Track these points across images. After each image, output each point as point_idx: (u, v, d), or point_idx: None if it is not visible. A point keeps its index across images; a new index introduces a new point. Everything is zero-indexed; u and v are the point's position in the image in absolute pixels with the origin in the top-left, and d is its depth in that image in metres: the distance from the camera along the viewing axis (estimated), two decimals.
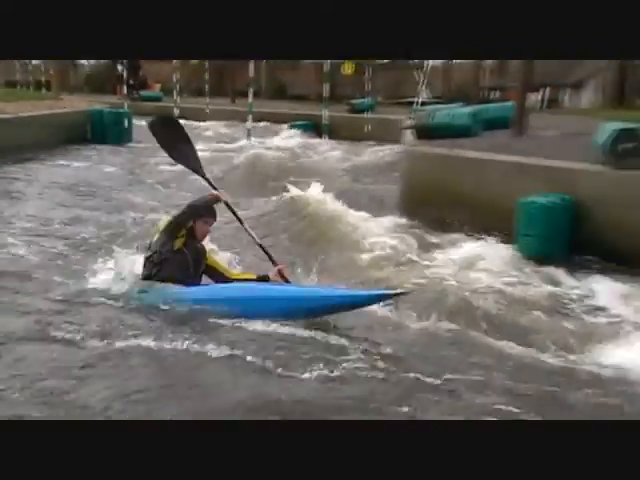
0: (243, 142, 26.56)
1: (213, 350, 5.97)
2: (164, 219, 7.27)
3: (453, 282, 8.74)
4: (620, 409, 5.33)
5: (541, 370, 6.20)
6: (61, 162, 20.96)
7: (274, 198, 13.72)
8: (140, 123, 24.51)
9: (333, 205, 12.63)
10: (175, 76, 43.04)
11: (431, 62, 36.00)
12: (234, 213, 7.63)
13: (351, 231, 11.54)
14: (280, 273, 7.21)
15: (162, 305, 6.84)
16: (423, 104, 30.07)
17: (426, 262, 9.93)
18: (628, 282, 8.75)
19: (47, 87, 43.60)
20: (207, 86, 43.87)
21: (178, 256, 6.90)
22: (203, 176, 7.85)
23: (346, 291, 7.13)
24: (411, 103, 30.84)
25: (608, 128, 11.35)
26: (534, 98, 35.48)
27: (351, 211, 12.46)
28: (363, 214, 12.53)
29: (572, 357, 6.59)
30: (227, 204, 7.45)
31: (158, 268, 6.89)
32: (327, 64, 31.17)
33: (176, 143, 8.02)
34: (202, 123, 35.58)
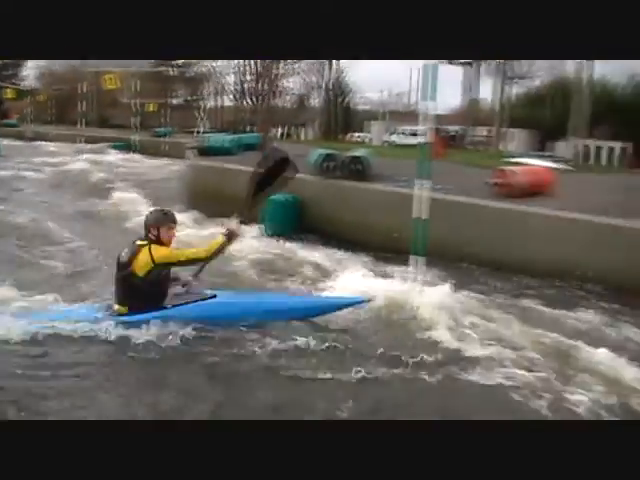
0: (76, 157, 26.04)
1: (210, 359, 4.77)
2: (165, 253, 5.09)
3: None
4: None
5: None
6: None
7: (97, 201, 13.42)
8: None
9: (140, 204, 12.65)
10: (29, 108, 44.22)
11: (208, 104, 36.55)
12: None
13: None
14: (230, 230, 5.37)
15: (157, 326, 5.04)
16: (204, 132, 30.31)
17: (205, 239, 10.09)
18: (333, 250, 9.50)
19: None
20: (52, 117, 45.89)
21: (164, 278, 5.21)
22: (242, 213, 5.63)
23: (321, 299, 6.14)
24: (194, 132, 31.22)
25: (317, 152, 12.22)
26: (276, 131, 36.60)
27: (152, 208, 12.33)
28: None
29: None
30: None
31: (151, 293, 5.10)
32: (137, 104, 32.46)
33: (267, 179, 5.73)
34: (49, 143, 35.97)
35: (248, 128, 37.14)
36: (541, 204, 9.90)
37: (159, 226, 5.18)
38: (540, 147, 35.85)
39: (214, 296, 5.43)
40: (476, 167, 16.12)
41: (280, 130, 39.72)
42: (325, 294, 6.57)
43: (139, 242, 5.16)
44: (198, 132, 30.74)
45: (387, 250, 8.77)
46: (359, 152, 12.89)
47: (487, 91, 36.71)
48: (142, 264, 5.01)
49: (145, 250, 5.05)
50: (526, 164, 17.26)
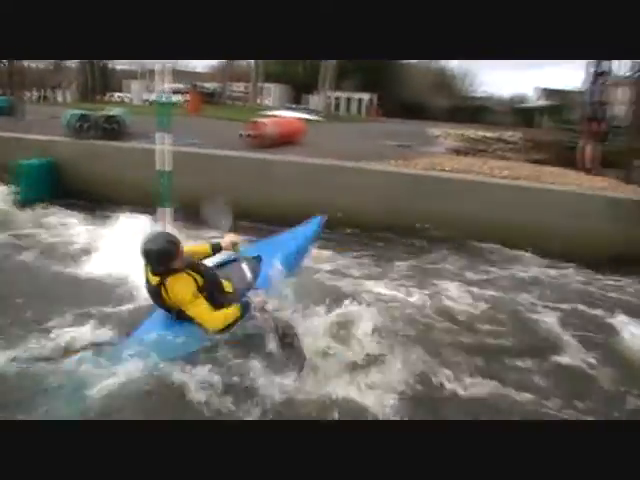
0: None
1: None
2: (177, 294, 3.99)
3: None
4: None
5: None
6: None
7: None
8: None
9: None
10: None
11: None
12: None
13: None
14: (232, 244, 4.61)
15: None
16: None
17: None
18: (92, 213, 9.06)
19: None
20: None
21: (215, 296, 4.27)
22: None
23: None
24: None
25: (70, 113, 11.56)
26: (30, 95, 33.47)
27: None
28: None
29: None
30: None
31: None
32: None
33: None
34: None
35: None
36: (289, 152, 10.46)
37: (177, 257, 4.00)
38: (295, 100, 37.45)
39: (260, 258, 4.74)
40: (234, 121, 16.43)
41: (36, 93, 36.47)
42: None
43: (153, 280, 4.06)
44: None
45: (146, 205, 8.66)
46: (114, 111, 12.45)
47: None
48: (174, 305, 4.08)
49: (163, 292, 4.04)
50: (280, 116, 17.99)
